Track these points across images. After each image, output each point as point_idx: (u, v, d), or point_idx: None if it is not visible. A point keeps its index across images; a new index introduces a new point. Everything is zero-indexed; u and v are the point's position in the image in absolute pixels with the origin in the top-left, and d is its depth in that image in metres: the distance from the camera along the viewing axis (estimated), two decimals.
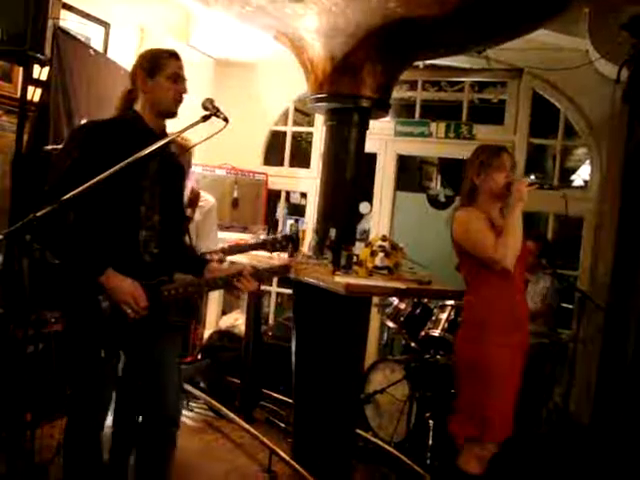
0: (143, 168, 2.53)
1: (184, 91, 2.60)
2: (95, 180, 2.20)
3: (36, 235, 2.53)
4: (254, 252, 4.47)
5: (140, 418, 2.79)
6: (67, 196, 2.16)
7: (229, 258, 3.94)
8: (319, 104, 4.18)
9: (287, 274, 2.75)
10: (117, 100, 2.69)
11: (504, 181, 3.08)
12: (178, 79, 2.58)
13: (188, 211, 3.81)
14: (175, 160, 2.79)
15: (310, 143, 6.70)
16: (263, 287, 6.15)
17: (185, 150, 3.34)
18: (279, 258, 4.21)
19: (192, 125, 2.51)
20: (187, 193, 3.76)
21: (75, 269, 2.48)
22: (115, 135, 2.41)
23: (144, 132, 2.51)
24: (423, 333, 4.72)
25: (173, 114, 2.60)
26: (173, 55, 2.61)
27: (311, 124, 6.78)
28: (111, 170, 2.22)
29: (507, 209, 3.16)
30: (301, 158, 6.81)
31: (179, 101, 2.59)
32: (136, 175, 2.50)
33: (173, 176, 2.71)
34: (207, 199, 4.12)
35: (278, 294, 6.82)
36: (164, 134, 2.64)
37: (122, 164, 2.24)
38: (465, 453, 3.09)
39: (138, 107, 2.60)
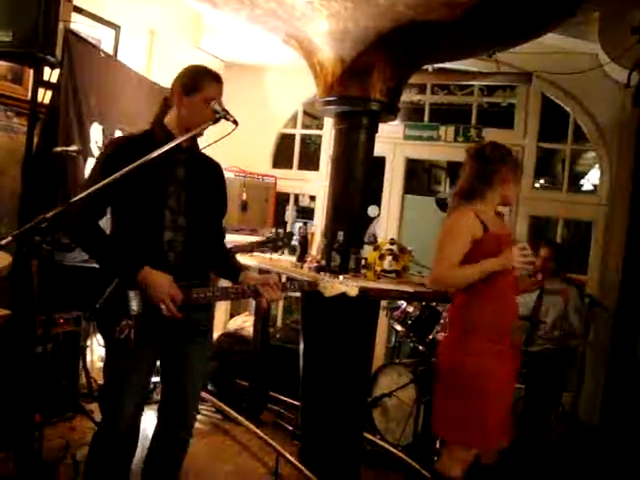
0: (168, 174, 2.56)
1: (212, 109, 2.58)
2: (102, 183, 2.20)
3: (72, 237, 2.59)
4: (266, 255, 4.49)
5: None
6: (75, 199, 2.17)
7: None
8: (328, 107, 4.18)
9: (313, 289, 2.73)
10: (151, 110, 2.69)
11: (513, 195, 3.06)
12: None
13: None
14: (207, 167, 2.77)
15: (319, 146, 6.71)
16: None
17: None
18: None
19: (202, 128, 2.52)
20: None
21: (111, 267, 2.51)
22: (140, 150, 2.36)
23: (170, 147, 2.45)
24: (431, 336, 4.71)
25: (200, 131, 2.56)
26: (215, 78, 2.59)
27: (320, 127, 6.80)
28: (117, 174, 2.21)
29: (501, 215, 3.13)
30: (310, 161, 6.81)
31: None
32: (161, 181, 2.53)
33: (203, 182, 2.68)
34: None
35: (286, 297, 6.81)
36: (193, 147, 2.66)
37: (125, 170, 2.22)
38: (447, 457, 3.01)
39: (168, 119, 2.61)
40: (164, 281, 2.45)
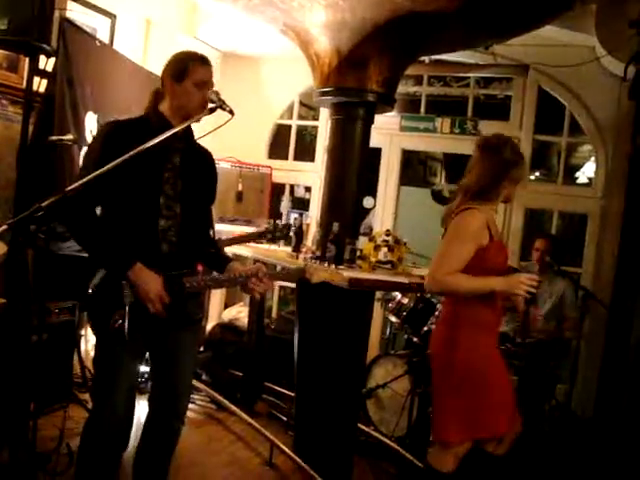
0: (165, 161, 2.56)
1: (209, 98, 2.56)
2: (101, 170, 2.20)
3: (66, 226, 2.59)
4: (262, 245, 4.48)
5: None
6: (72, 187, 2.17)
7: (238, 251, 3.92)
8: (324, 98, 4.17)
9: (301, 276, 2.74)
10: (147, 99, 2.67)
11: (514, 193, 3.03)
12: (204, 86, 2.54)
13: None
14: (200, 155, 2.77)
15: (315, 137, 6.70)
16: None
17: None
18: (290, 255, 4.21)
19: (198, 117, 2.51)
20: None
21: (102, 261, 2.50)
22: (136, 135, 2.38)
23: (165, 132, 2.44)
24: (426, 328, 4.72)
25: (197, 120, 2.56)
26: (202, 61, 2.57)
27: (316, 118, 6.78)
28: (117, 161, 2.21)
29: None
30: (306, 152, 6.81)
31: (204, 107, 2.54)
32: (157, 167, 2.53)
33: (197, 170, 2.69)
34: None
35: (281, 287, 6.83)
36: (189, 135, 2.66)
37: (124, 157, 2.23)
38: (441, 451, 2.97)
39: (163, 107, 2.59)
40: (153, 282, 2.46)
